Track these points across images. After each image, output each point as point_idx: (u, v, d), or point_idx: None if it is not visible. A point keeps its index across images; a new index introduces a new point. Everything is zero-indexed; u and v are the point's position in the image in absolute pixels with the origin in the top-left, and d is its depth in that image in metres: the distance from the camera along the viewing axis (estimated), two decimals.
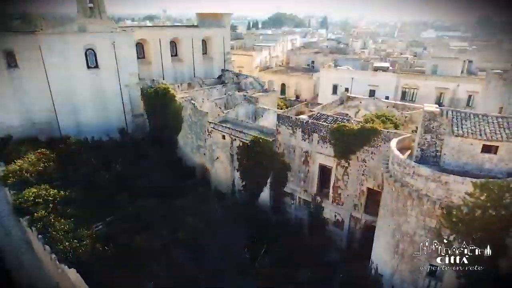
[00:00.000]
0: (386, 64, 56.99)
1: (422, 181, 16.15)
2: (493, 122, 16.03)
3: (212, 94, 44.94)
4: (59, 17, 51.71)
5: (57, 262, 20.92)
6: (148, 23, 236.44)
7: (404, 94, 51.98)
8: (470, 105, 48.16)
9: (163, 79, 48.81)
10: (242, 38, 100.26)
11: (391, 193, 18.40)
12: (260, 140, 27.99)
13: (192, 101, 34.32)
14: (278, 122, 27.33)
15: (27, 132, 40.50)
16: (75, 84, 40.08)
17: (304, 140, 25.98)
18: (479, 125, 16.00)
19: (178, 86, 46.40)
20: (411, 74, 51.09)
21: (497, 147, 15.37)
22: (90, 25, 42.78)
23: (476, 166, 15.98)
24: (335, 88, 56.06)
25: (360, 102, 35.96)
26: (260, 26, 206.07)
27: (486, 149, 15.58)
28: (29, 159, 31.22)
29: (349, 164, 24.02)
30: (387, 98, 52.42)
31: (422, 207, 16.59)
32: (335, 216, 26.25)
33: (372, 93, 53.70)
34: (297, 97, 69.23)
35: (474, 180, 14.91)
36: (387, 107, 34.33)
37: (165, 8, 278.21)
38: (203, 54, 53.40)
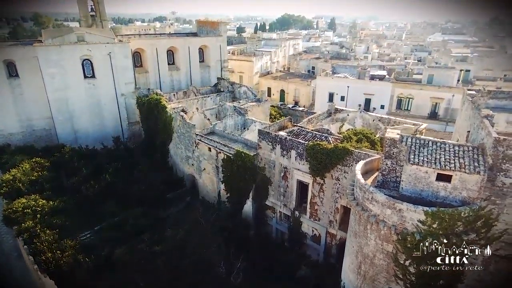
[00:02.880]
0: (383, 73, 56.86)
1: (379, 206, 16.57)
2: (449, 151, 16.33)
3: (206, 103, 45.82)
4: (58, 28, 53.14)
5: (39, 273, 21.97)
6: (158, 24, 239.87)
7: (399, 103, 51.90)
8: None
9: (160, 88, 50.08)
10: (245, 42, 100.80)
11: (354, 215, 18.85)
12: (243, 154, 28.61)
13: (181, 113, 35.14)
14: (259, 138, 27.94)
15: (27, 139, 42.16)
16: (72, 93, 41.40)
17: (283, 156, 26.53)
18: (435, 153, 16.33)
19: (174, 95, 47.44)
20: (406, 83, 50.94)
21: (450, 176, 15.68)
22: (88, 35, 43.99)
23: (432, 193, 16.30)
24: (331, 96, 56.22)
25: (348, 115, 36.32)
26: (267, 28, 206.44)
27: (441, 177, 15.89)
28: (24, 168, 32.52)
29: (324, 181, 24.47)
30: (382, 107, 52.65)
31: (380, 232, 17.00)
32: (313, 231, 26.74)
33: (367, 102, 53.87)
34: (296, 103, 69.60)
35: (425, 208, 15.27)
36: (373, 120, 34.68)
37: (175, 11, 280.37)
38: (200, 62, 54.35)
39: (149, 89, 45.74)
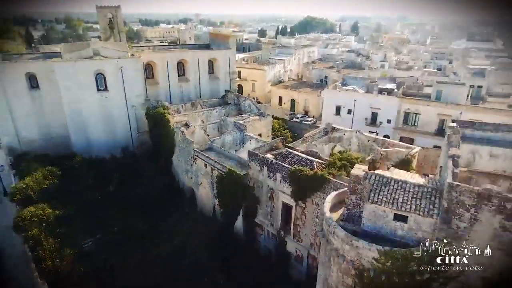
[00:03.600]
0: (392, 86, 56.38)
1: (340, 241, 17.36)
2: (408, 191, 16.88)
3: (211, 115, 47.46)
4: (76, 43, 56.60)
5: (39, 280, 24.26)
6: (183, 26, 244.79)
7: (406, 118, 51.41)
8: None
9: (170, 98, 52.44)
10: (261, 49, 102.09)
11: (322, 245, 19.68)
12: (233, 173, 29.89)
13: (182, 128, 36.90)
14: (249, 158, 29.13)
15: (46, 145, 45.36)
16: (86, 105, 44.14)
17: (270, 178, 27.61)
18: (395, 193, 16.92)
19: (182, 106, 49.44)
20: (412, 98, 50.41)
21: (407, 216, 16.26)
22: (103, 49, 46.83)
23: (390, 231, 16.92)
24: (338, 109, 56.49)
25: (344, 134, 36.89)
26: (288, 31, 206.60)
27: (398, 217, 16.50)
28: (36, 177, 35.27)
29: (305, 205, 25.34)
30: (389, 121, 52.43)
31: (341, 265, 17.78)
32: (296, 251, 27.65)
33: (374, 116, 53.78)
34: (306, 113, 70.20)
35: (379, 247, 15.93)
36: (368, 141, 35.11)
37: (199, 12, 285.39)
38: (209, 73, 56.11)
39: (157, 101, 47.88)
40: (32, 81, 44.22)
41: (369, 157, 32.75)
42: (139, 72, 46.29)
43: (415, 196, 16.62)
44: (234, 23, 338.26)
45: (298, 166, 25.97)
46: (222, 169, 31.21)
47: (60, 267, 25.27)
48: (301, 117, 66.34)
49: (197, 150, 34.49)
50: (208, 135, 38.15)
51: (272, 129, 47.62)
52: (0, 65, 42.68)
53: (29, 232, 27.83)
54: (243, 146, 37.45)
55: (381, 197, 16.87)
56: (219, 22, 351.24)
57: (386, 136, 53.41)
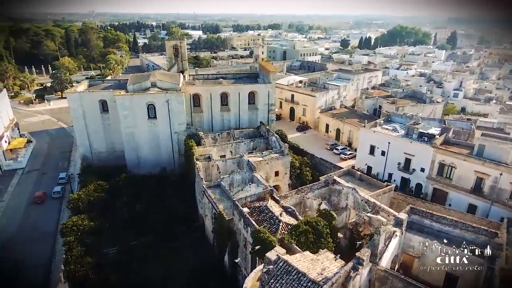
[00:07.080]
0: (435, 131, 52.72)
1: None
2: (302, 285, 18.97)
3: (240, 147, 52.23)
4: (141, 74, 67.06)
5: (62, 278, 32.47)
6: (269, 32, 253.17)
7: (441, 169, 48.18)
8: None
9: (212, 125, 59.21)
10: (325, 69, 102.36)
11: None
12: (222, 217, 34.14)
13: (198, 163, 42.48)
14: (233, 206, 33.01)
15: (110, 158, 56.33)
16: (138, 130, 53.23)
17: (244, 229, 31.10)
18: (290, 284, 19.19)
19: (219, 135, 55.58)
20: (447, 150, 46.87)
21: None
22: (159, 82, 55.62)
23: None
24: (372, 149, 55.50)
25: (343, 189, 37.88)
26: (372, 42, 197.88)
27: None
28: (89, 189, 44.94)
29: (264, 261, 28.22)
30: (422, 170, 50.14)
31: None
32: None
33: (407, 161, 51.74)
34: (349, 144, 69.62)
35: None
36: (362, 201, 35.62)
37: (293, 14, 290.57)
38: (250, 103, 60.83)
39: (197, 129, 54.84)
40: (104, 106, 55.31)
41: (352, 220, 33.62)
42: (182, 104, 53.54)
43: None
44: (321, 29, 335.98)
45: (264, 225, 28.99)
46: (216, 210, 35.70)
47: (79, 273, 33.10)
48: (341, 149, 66.26)
49: (203, 186, 39.61)
50: (220, 172, 42.98)
51: (293, 166, 50.09)
52: (83, 93, 54.68)
53: (67, 238, 36.68)
54: (250, 186, 41.16)
55: (277, 285, 19.39)
56: (307, 27, 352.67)
57: (418, 184, 51.13)
